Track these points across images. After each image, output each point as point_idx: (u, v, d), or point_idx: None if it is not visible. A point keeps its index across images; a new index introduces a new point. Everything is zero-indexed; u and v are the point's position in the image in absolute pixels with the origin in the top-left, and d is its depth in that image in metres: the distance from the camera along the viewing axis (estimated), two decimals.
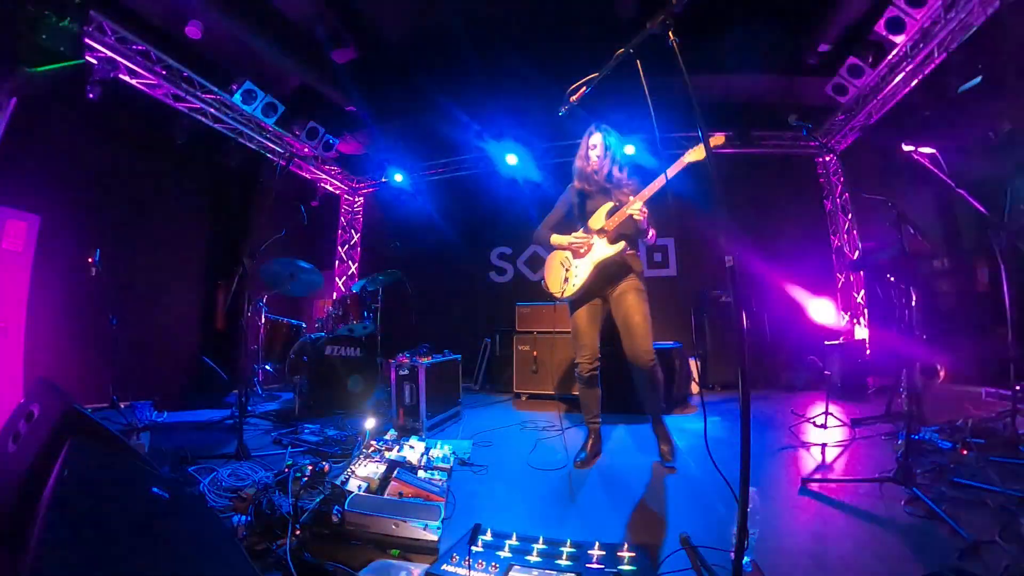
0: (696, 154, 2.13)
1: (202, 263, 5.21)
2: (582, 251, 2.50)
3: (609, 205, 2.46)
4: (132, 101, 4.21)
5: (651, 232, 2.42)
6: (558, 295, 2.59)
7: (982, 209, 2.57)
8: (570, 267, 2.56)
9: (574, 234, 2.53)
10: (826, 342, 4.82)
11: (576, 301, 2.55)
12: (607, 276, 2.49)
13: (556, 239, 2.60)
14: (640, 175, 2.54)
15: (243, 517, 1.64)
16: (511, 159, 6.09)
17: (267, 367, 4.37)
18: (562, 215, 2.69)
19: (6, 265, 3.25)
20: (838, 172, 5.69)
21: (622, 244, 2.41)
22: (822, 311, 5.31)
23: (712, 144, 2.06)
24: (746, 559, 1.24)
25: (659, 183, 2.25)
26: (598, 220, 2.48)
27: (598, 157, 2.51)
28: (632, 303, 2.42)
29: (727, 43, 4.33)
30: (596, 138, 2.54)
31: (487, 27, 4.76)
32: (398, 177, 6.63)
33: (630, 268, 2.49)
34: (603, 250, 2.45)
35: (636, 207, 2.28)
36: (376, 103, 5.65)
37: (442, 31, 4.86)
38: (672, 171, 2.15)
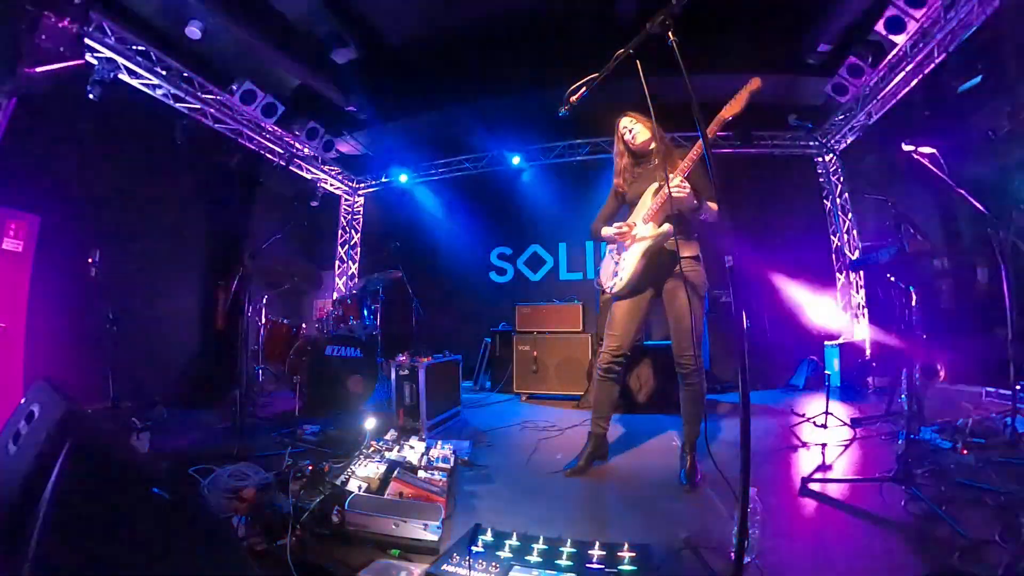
0: (734, 108, 1.97)
1: (202, 263, 5.20)
2: (626, 243, 2.27)
3: (655, 185, 2.22)
4: (132, 101, 4.21)
5: (706, 205, 2.13)
6: (607, 290, 2.35)
7: (982, 209, 2.57)
8: (619, 260, 2.32)
9: (615, 224, 2.31)
10: (826, 342, 4.82)
11: (623, 296, 2.31)
12: (656, 265, 2.23)
13: (605, 231, 2.37)
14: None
15: (243, 517, 1.64)
16: (511, 159, 6.09)
17: (267, 367, 4.37)
18: (615, 207, 2.46)
19: (6, 265, 3.24)
20: (838, 172, 5.69)
21: (666, 227, 2.14)
22: (822, 309, 5.31)
23: (752, 88, 1.96)
24: (746, 559, 1.24)
25: (698, 148, 2.02)
26: (645, 204, 2.25)
27: (636, 135, 2.31)
28: (683, 304, 2.17)
29: (727, 43, 4.33)
30: (627, 120, 2.35)
31: (487, 27, 4.76)
32: (403, 177, 6.64)
33: (680, 256, 2.20)
34: (647, 236, 2.21)
35: (675, 182, 2.03)
36: (376, 103, 5.65)
37: (442, 31, 4.86)
38: (712, 129, 1.94)
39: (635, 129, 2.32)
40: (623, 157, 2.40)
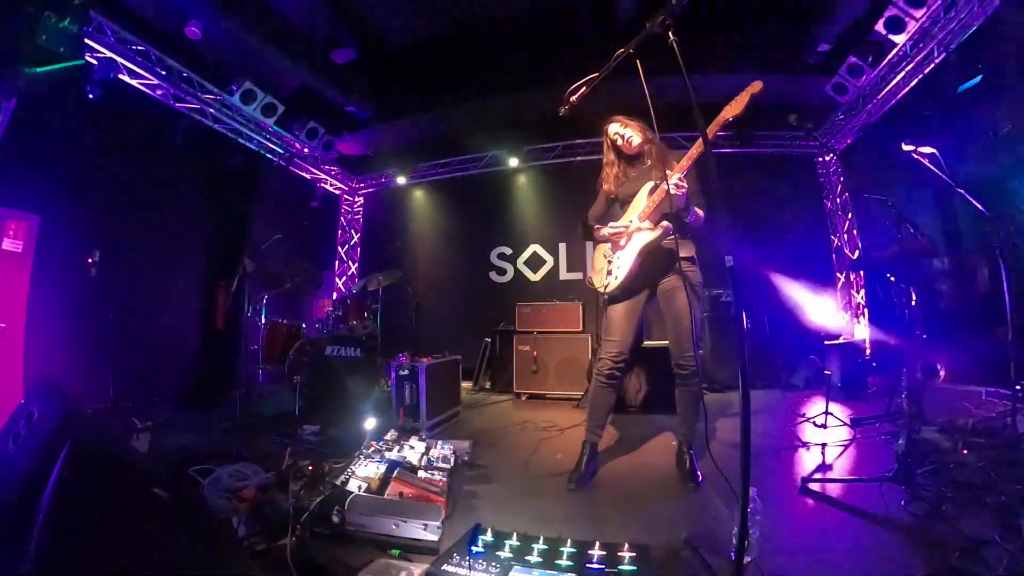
0: (734, 109, 1.96)
1: (202, 263, 5.20)
2: (621, 242, 2.25)
3: (650, 184, 2.21)
4: (132, 101, 4.21)
5: (694, 211, 2.14)
6: (601, 290, 2.31)
7: (982, 209, 2.57)
8: (612, 259, 2.29)
9: (611, 224, 2.29)
10: (826, 342, 4.82)
11: (617, 296, 2.28)
12: (653, 265, 2.23)
13: (600, 231, 2.34)
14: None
15: (243, 517, 1.64)
16: (510, 159, 6.09)
17: (267, 367, 4.36)
18: (606, 206, 2.43)
19: (6, 265, 3.25)
20: (838, 172, 5.69)
21: (664, 225, 2.15)
22: (822, 309, 5.31)
23: (753, 91, 1.93)
24: (746, 559, 1.24)
25: (697, 148, 2.01)
26: (639, 202, 2.23)
27: (631, 139, 2.29)
28: (682, 305, 2.17)
29: (727, 43, 4.34)
30: (617, 126, 2.32)
31: (487, 27, 4.76)
32: (402, 178, 6.64)
33: (678, 256, 2.18)
34: (645, 236, 2.19)
35: (674, 180, 2.00)
36: (376, 103, 5.65)
37: (442, 31, 4.86)
38: (712, 129, 1.93)
39: (627, 133, 2.31)
40: (614, 166, 2.38)
